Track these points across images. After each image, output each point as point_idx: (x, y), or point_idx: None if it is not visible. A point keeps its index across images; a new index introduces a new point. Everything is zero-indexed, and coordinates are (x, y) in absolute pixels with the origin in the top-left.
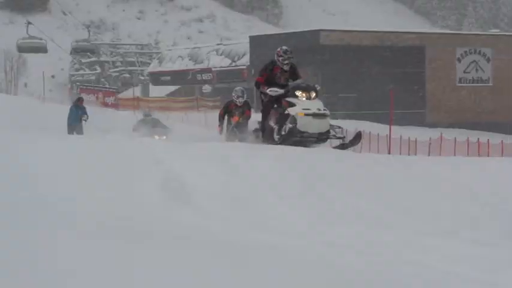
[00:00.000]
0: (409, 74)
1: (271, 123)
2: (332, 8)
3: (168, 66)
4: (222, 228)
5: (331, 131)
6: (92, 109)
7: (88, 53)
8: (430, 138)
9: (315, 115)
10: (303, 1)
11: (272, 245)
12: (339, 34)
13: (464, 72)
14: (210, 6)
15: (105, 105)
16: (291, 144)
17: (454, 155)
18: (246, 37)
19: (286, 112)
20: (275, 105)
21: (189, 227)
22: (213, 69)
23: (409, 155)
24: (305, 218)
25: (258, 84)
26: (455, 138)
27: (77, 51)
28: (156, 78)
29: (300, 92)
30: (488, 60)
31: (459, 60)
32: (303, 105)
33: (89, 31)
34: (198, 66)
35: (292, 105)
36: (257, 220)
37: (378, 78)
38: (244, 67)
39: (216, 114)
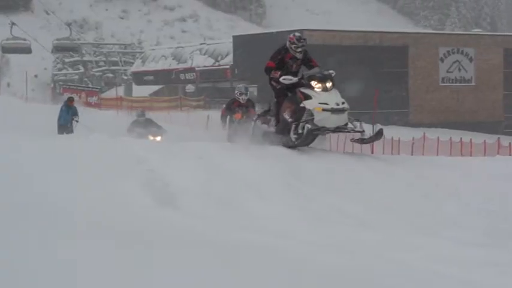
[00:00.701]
0: (392, 74)
1: (286, 116)
2: (315, 8)
3: (151, 66)
4: (207, 228)
5: (349, 124)
6: (78, 109)
7: (70, 52)
8: (413, 138)
9: (333, 110)
10: (286, 1)
11: (256, 245)
12: (322, 34)
13: (447, 72)
14: (193, 6)
15: (88, 104)
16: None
17: (437, 154)
18: (230, 37)
19: (301, 105)
20: (288, 94)
21: (174, 227)
22: (196, 68)
23: (392, 154)
24: (288, 217)
25: (268, 70)
26: (438, 137)
27: (58, 49)
28: (139, 77)
29: (315, 83)
30: (471, 60)
31: (442, 60)
32: (320, 99)
33: (70, 29)
34: (182, 66)
35: (307, 97)
36: (240, 220)
37: (361, 78)
38: (228, 67)
39: (199, 114)
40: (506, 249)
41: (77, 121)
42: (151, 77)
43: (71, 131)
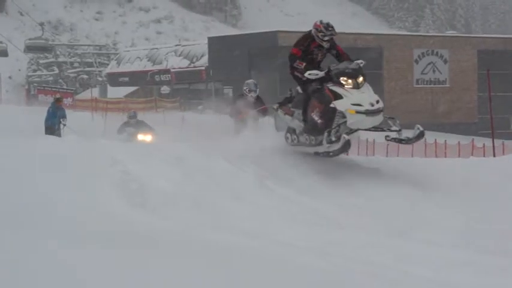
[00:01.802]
0: (367, 75)
1: (315, 116)
2: (290, 10)
3: (126, 67)
4: (180, 229)
5: (384, 122)
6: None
7: (42, 52)
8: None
9: (368, 112)
10: (262, 2)
11: (230, 245)
12: (298, 35)
13: (422, 73)
14: (168, 7)
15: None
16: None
17: (412, 156)
18: (205, 38)
19: (331, 105)
20: (317, 88)
21: (147, 228)
22: (171, 70)
23: (367, 156)
24: (263, 218)
25: (293, 58)
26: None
27: (30, 49)
28: (114, 79)
29: (345, 79)
30: (445, 61)
31: (416, 61)
32: (352, 98)
33: (42, 28)
34: (157, 67)
35: (338, 96)
36: (215, 221)
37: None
38: (203, 68)
39: (175, 115)
40: (479, 249)
41: (64, 124)
42: (126, 79)
43: (59, 134)
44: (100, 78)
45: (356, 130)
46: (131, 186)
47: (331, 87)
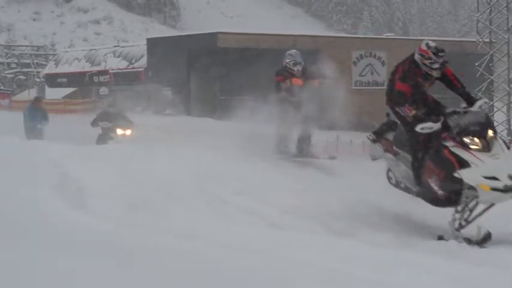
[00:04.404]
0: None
1: (432, 184)
2: (229, 11)
3: (64, 68)
4: (119, 231)
5: None
6: None
7: None
8: (326, 141)
9: (507, 190)
10: (201, 4)
11: (169, 247)
12: (237, 37)
13: (360, 75)
14: (107, 8)
15: (0, 107)
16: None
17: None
18: (144, 39)
19: (455, 174)
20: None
21: (85, 230)
22: (110, 71)
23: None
24: (201, 219)
25: (401, 98)
26: (351, 140)
27: None
28: (52, 80)
29: (470, 138)
30: (383, 63)
31: (355, 63)
32: (484, 168)
33: None
34: (95, 68)
35: (463, 162)
36: (153, 222)
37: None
38: (142, 69)
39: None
40: (416, 250)
41: (41, 127)
42: (64, 80)
43: (40, 135)
44: (38, 79)
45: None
46: (70, 188)
47: (452, 149)
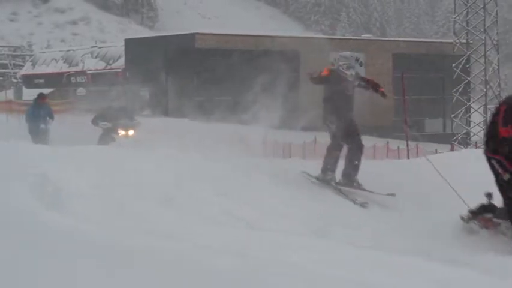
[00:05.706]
0: (283, 78)
1: None
2: (207, 12)
3: (41, 69)
4: (99, 233)
5: None
6: None
7: None
8: (304, 142)
9: None
10: (179, 4)
11: (149, 249)
12: (215, 37)
13: None
14: (84, 9)
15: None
16: None
17: None
18: (121, 40)
19: None
20: None
21: (64, 232)
22: (87, 71)
23: (283, 158)
24: (181, 220)
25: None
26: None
27: None
28: (30, 80)
29: None
30: (361, 64)
31: (333, 64)
32: None
33: None
34: (73, 69)
35: None
36: (133, 224)
37: (253, 82)
38: (119, 70)
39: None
40: (398, 250)
41: (44, 126)
42: (41, 80)
43: (45, 138)
44: (15, 80)
45: None
46: (48, 189)
47: None
